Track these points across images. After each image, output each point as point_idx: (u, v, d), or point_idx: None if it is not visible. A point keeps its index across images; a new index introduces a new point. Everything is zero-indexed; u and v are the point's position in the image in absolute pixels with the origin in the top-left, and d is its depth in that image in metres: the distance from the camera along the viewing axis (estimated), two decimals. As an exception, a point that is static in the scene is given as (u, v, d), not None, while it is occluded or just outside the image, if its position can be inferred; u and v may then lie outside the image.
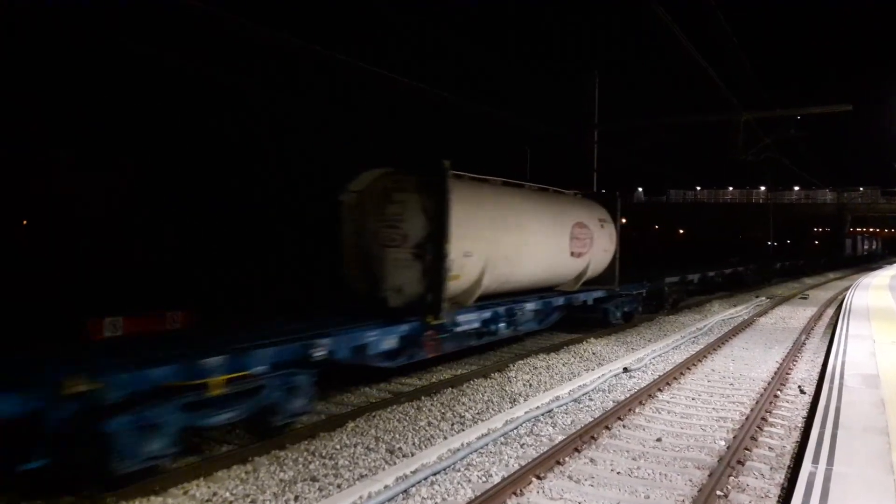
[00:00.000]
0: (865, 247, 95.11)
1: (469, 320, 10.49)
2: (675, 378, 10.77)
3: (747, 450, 7.22)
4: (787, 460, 7.02)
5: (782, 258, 45.22)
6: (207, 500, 5.80)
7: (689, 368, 11.63)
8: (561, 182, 15.48)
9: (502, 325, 11.45)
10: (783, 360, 12.33)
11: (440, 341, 9.94)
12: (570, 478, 6.43)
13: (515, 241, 11.36)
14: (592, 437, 7.52)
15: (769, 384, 10.32)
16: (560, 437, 7.52)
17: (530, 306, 12.27)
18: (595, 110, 24.61)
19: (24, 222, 24.50)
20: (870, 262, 73.15)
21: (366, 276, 9.84)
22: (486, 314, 10.96)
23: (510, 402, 9.20)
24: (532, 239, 11.86)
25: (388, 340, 8.83)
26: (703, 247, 57.98)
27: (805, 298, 26.94)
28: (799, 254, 57.74)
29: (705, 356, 12.87)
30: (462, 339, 10.63)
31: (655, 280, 18.82)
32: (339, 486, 6.13)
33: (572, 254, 13.41)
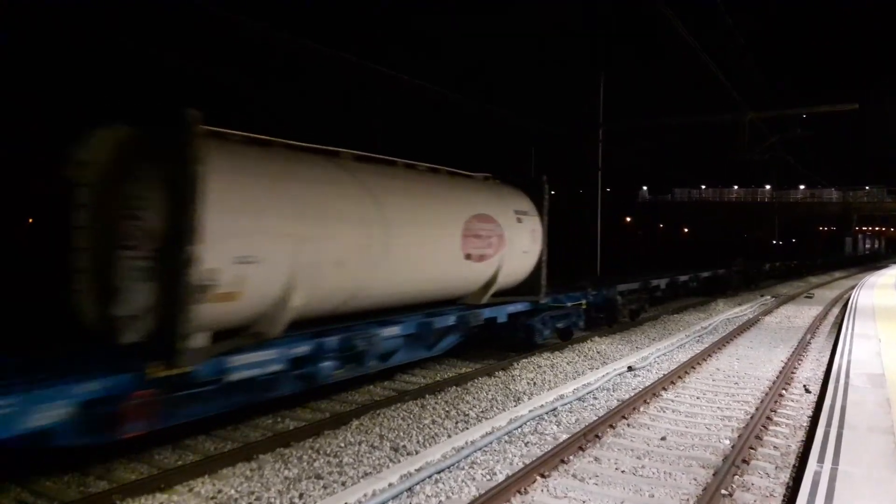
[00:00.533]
0: (867, 246, 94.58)
1: (257, 363, 6.88)
2: (679, 377, 10.75)
3: (752, 449, 7.20)
4: (792, 459, 7.01)
5: (772, 259, 40.90)
6: (212, 498, 5.81)
7: (693, 367, 11.61)
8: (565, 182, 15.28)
9: (329, 364, 7.79)
10: (788, 360, 12.29)
11: (172, 405, 6.17)
12: (574, 476, 6.43)
13: (360, 240, 7.97)
14: (597, 436, 7.51)
15: (774, 383, 10.29)
16: (564, 436, 7.52)
17: (391, 331, 8.72)
18: (600, 110, 24.62)
19: (30, 220, 24.63)
20: (874, 262, 72.88)
21: (101, 294, 6.37)
22: (301, 348, 7.41)
23: (514, 401, 9.20)
24: (395, 236, 8.50)
25: (41, 414, 5.12)
26: (706, 247, 57.68)
27: (810, 297, 26.87)
28: (792, 254, 55.93)
29: (710, 355, 12.85)
30: (239, 392, 6.92)
31: (605, 288, 15.60)
32: (343, 483, 6.13)
33: (469, 257, 10.06)
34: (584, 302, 14.07)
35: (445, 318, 9.88)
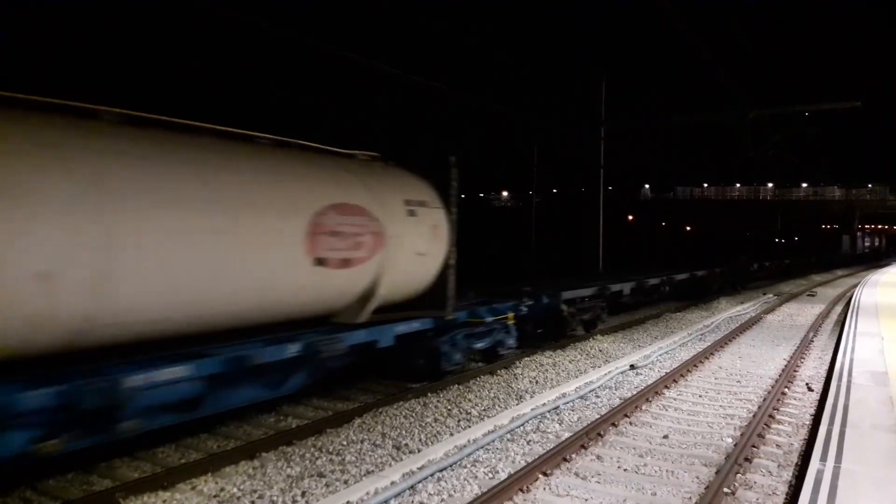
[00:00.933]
0: (867, 244, 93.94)
1: None
2: (682, 375, 10.75)
3: (755, 447, 7.20)
4: (794, 458, 7.00)
5: (761, 258, 37.00)
6: (215, 496, 5.82)
7: (696, 366, 11.60)
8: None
9: (22, 434, 5.00)
10: (791, 358, 12.28)
11: None
12: (576, 475, 6.43)
13: (90, 238, 5.30)
14: (599, 434, 7.51)
15: (777, 381, 10.28)
16: (567, 434, 7.52)
17: (171, 373, 5.86)
18: (602, 108, 24.62)
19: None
20: (876, 260, 72.66)
21: None
22: None
23: (516, 399, 9.20)
24: (164, 232, 5.79)
25: None
26: (708, 245, 57.49)
27: (813, 296, 26.85)
28: (790, 253, 54.32)
29: (712, 353, 12.84)
30: None
31: (546, 295, 12.77)
32: (345, 482, 6.14)
33: (322, 261, 7.39)
34: (510, 315, 11.45)
35: (281, 347, 6.99)
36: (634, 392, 9.52)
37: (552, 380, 10.44)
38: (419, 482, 6.08)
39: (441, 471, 6.37)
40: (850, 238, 74.41)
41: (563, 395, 9.37)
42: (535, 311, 12.43)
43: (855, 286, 28.12)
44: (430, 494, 5.87)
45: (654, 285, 19.23)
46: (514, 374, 10.58)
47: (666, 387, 9.95)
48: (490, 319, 10.87)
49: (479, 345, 10.82)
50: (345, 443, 7.18)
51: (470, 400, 9.05)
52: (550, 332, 13.36)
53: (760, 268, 33.44)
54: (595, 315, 14.97)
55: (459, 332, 10.16)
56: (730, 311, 20.10)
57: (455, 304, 9.90)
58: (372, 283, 8.36)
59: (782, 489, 6.16)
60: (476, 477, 6.30)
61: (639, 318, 17.60)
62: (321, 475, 6.28)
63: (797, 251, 58.75)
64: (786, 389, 9.92)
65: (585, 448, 7.11)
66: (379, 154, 9.56)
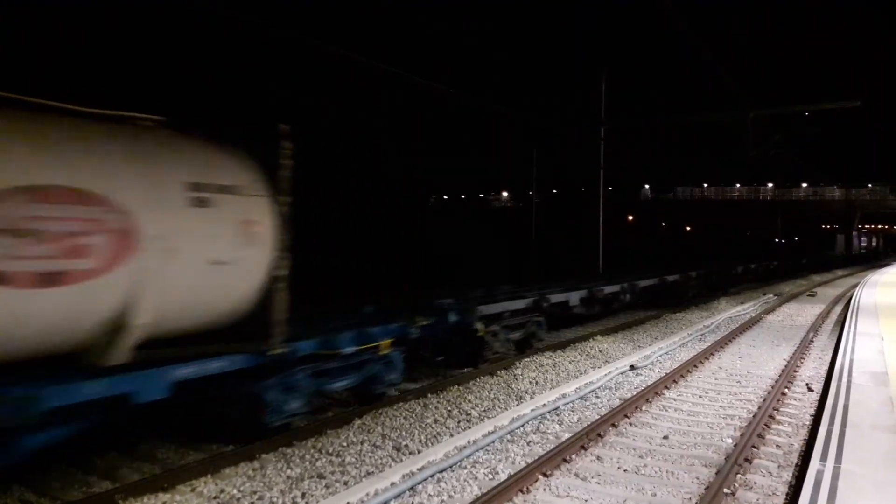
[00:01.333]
0: (863, 244, 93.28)
1: None
2: (682, 376, 10.74)
3: (755, 447, 7.20)
4: (794, 458, 7.00)
5: (745, 260, 33.45)
6: (215, 497, 5.82)
7: (696, 366, 11.60)
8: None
9: None
10: (791, 358, 12.28)
11: None
12: (576, 475, 6.43)
13: None
14: (599, 435, 7.51)
15: (777, 382, 10.28)
16: (567, 435, 7.51)
17: None
18: (602, 107, 24.64)
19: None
20: (875, 260, 72.58)
21: None
22: None
23: (516, 400, 9.20)
24: None
25: None
26: (708, 245, 57.38)
27: (813, 296, 26.85)
28: (783, 252, 52.78)
29: (712, 354, 12.83)
30: None
31: (454, 310, 10.19)
32: (345, 483, 6.14)
33: None
34: (384, 343, 8.66)
35: None
36: (634, 392, 9.52)
37: (552, 380, 10.43)
38: (419, 483, 6.08)
39: (441, 472, 6.37)
40: (844, 238, 74.10)
41: (563, 396, 9.37)
42: (436, 333, 9.86)
43: (855, 286, 28.12)
44: (429, 495, 5.87)
45: (612, 294, 16.39)
46: (514, 375, 10.57)
47: (666, 387, 9.94)
48: (351, 350, 8.05)
49: (340, 384, 8.14)
50: (345, 444, 7.18)
51: (470, 401, 9.05)
52: (460, 357, 10.79)
53: (746, 271, 30.37)
54: (529, 332, 12.52)
55: (300, 370, 7.39)
56: (730, 312, 20.11)
57: (287, 332, 7.02)
58: (122, 306, 5.64)
59: (782, 490, 6.16)
60: (476, 478, 6.30)
61: (639, 319, 17.62)
62: (321, 476, 6.28)
63: (796, 251, 58.48)
64: (786, 390, 9.92)
65: (585, 449, 7.11)
66: (165, 118, 6.65)
